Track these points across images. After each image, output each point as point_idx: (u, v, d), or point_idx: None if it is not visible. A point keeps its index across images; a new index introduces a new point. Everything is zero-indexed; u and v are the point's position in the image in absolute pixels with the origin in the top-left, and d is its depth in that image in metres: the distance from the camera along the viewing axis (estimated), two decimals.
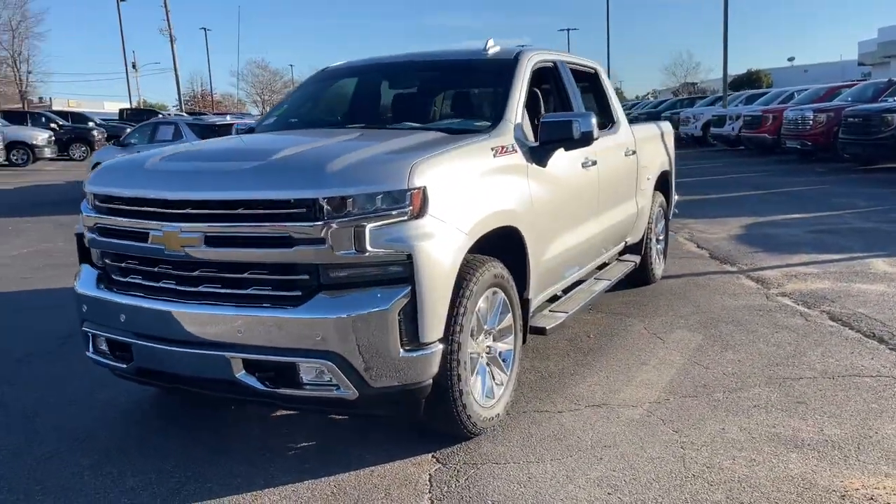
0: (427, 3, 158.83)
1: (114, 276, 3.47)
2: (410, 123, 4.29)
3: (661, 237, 6.93)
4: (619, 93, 25.50)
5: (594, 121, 4.11)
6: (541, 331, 4.23)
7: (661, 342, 4.99)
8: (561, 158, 4.36)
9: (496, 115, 4.09)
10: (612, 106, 5.77)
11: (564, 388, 4.19)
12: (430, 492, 3.07)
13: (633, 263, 5.96)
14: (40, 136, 25.83)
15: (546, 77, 4.90)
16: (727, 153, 22.88)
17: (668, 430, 3.60)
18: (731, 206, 11.55)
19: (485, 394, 3.56)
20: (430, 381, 3.16)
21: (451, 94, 5.02)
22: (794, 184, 14.10)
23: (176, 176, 3.30)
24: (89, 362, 3.65)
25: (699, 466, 3.22)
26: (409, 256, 2.98)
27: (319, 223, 2.95)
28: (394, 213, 3.01)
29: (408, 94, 4.86)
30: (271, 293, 3.07)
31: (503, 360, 3.77)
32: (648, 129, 6.61)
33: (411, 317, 3.02)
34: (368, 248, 2.97)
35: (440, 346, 3.14)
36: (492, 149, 3.70)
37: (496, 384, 3.69)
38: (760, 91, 30.53)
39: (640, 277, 6.56)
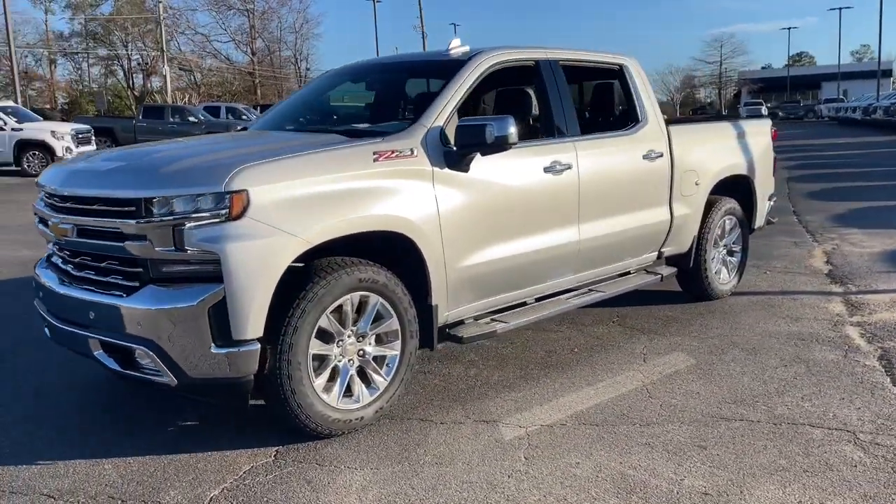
0: None
1: (44, 259, 4.02)
2: (350, 126, 4.37)
3: (734, 248, 6.26)
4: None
5: (511, 126, 3.90)
6: (458, 339, 4.14)
7: (640, 365, 4.60)
8: (503, 162, 4.20)
9: (413, 118, 4.05)
10: (637, 104, 5.34)
11: (478, 399, 4.07)
12: (233, 482, 3.20)
13: (659, 277, 5.48)
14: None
15: (522, 77, 4.71)
16: None
17: (521, 456, 3.39)
18: None
19: (341, 395, 3.60)
20: (251, 377, 3.29)
21: (404, 96, 4.98)
22: None
23: (76, 174, 3.74)
24: None
25: (499, 497, 3.01)
26: (220, 256, 3.14)
27: (142, 221, 3.21)
28: (211, 214, 3.18)
29: (365, 96, 4.92)
30: (119, 282, 3.39)
31: (382, 364, 3.76)
32: (701, 130, 6.00)
33: (223, 314, 3.17)
34: (186, 246, 3.17)
35: (257, 346, 3.25)
36: (373, 153, 3.69)
37: (370, 387, 3.71)
38: None
39: (695, 292, 6.02)
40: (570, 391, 4.17)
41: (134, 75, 63.59)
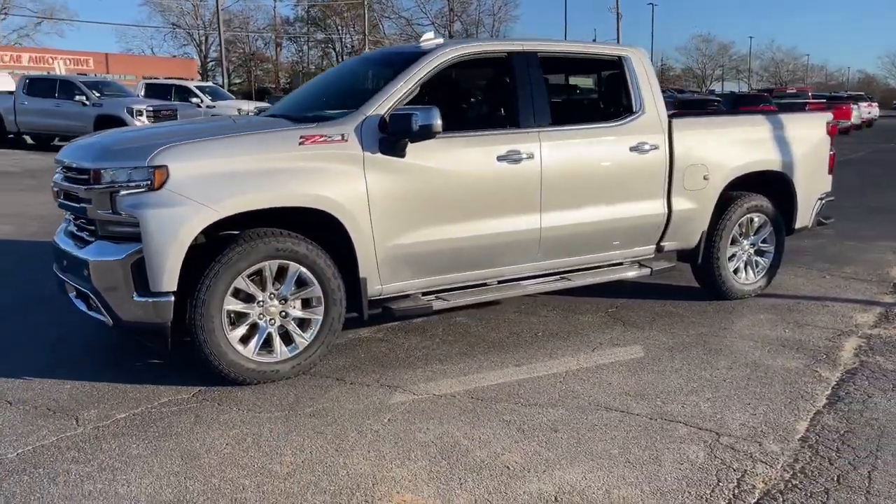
0: None
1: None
2: (314, 113, 4.81)
3: (764, 248, 6.00)
4: None
5: (436, 116, 4.18)
6: (391, 311, 4.51)
7: (585, 353, 4.71)
8: (447, 150, 4.49)
9: (356, 106, 4.44)
10: (633, 96, 5.31)
11: (401, 368, 4.42)
12: (144, 409, 3.82)
13: (648, 270, 5.45)
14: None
15: (497, 69, 4.93)
16: None
17: (386, 418, 3.72)
18: None
19: (257, 349, 4.12)
20: (168, 323, 3.91)
21: (372, 86, 5.27)
22: None
23: (73, 148, 4.49)
24: None
25: (330, 446, 3.40)
26: (140, 220, 3.78)
27: (90, 187, 3.92)
28: (138, 185, 3.82)
29: (346, 83, 5.32)
30: (84, 238, 4.14)
31: (307, 326, 4.23)
32: (714, 123, 5.80)
33: (142, 269, 3.81)
34: (119, 210, 3.85)
35: (171, 298, 3.85)
36: (300, 137, 4.15)
37: (290, 345, 4.20)
38: None
39: (710, 290, 5.89)
40: (492, 369, 4.40)
41: (344, 57, 67.80)
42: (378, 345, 4.85)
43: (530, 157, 4.75)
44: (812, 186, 6.19)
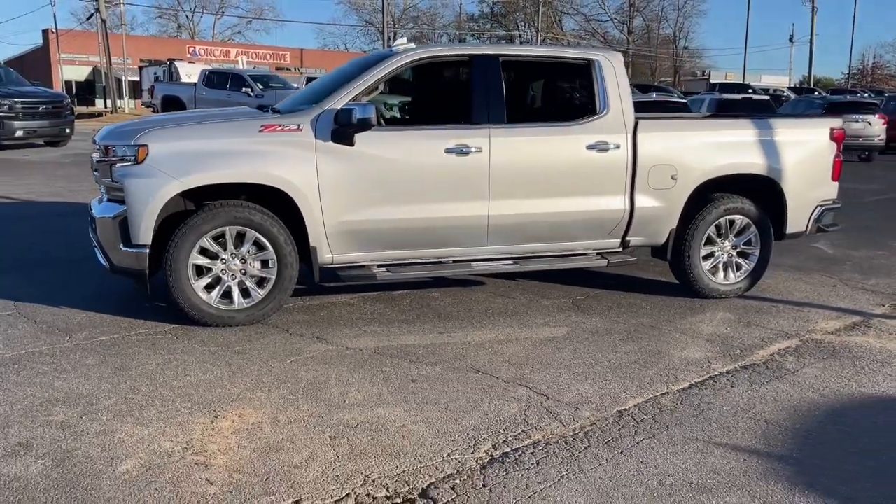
0: None
1: None
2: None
3: (748, 251, 6.12)
4: None
5: (372, 111, 4.90)
6: (338, 277, 5.30)
7: (510, 329, 5.22)
8: (395, 140, 5.21)
9: (316, 101, 5.25)
10: (598, 98, 5.68)
11: (343, 326, 5.18)
12: (122, 335, 4.87)
13: (605, 262, 5.80)
14: None
15: (461, 71, 5.55)
16: None
17: (292, 360, 4.51)
18: None
19: (218, 297, 5.06)
20: (146, 269, 4.94)
21: None
22: None
23: (104, 130, 5.67)
24: None
25: (224, 372, 4.25)
26: (124, 187, 4.84)
27: (102, 160, 5.05)
28: (126, 160, 4.89)
29: (334, 82, 6.07)
30: (103, 200, 5.29)
31: (265, 283, 5.12)
32: (686, 125, 6.00)
33: (125, 226, 4.88)
34: (114, 179, 4.94)
35: (147, 250, 4.88)
36: (261, 126, 5.03)
37: (247, 297, 5.11)
38: None
39: (684, 287, 6.12)
40: (417, 334, 5.05)
41: None
42: (343, 308, 5.63)
43: (479, 150, 5.31)
44: (808, 192, 6.19)
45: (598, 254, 5.88)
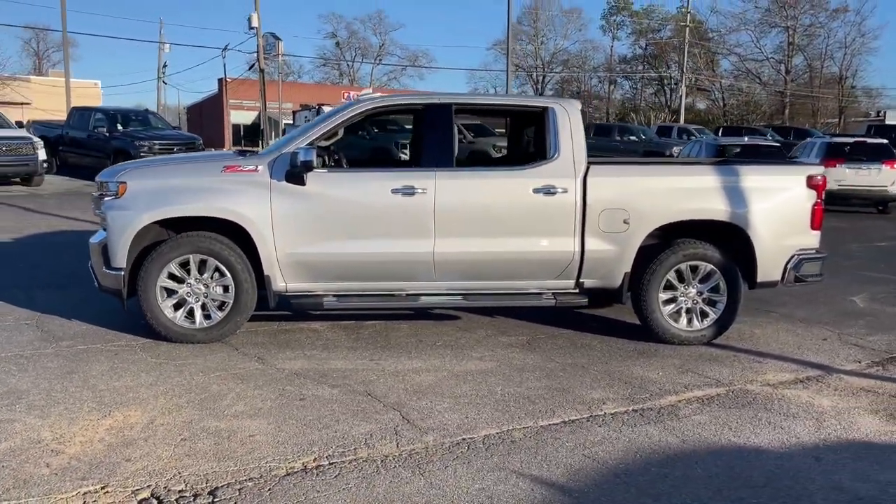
0: None
1: None
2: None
3: (715, 298, 6.04)
4: None
5: (311, 155, 5.43)
6: (289, 304, 5.83)
7: (444, 361, 5.52)
8: (343, 181, 5.73)
9: (281, 146, 5.86)
10: (550, 144, 5.89)
11: (293, 349, 5.68)
12: (102, 346, 5.64)
13: (552, 301, 5.94)
14: None
15: (406, 118, 5.99)
16: None
17: (210, 368, 5.08)
18: None
19: (182, 317, 5.73)
20: (122, 289, 5.71)
21: None
22: None
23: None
24: None
25: (112, 377, 4.87)
26: (105, 217, 5.67)
27: (96, 193, 5.92)
28: (110, 193, 5.72)
29: (301, 128, 6.62)
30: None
31: (225, 306, 5.75)
32: (641, 171, 6.03)
33: (107, 251, 5.69)
34: (102, 210, 5.78)
35: (122, 272, 5.65)
36: (223, 167, 5.70)
37: (208, 318, 5.75)
38: None
39: (646, 332, 6.14)
40: (349, 359, 5.44)
41: (674, 94, 67.22)
42: (305, 333, 6.14)
43: (423, 192, 5.70)
44: (781, 240, 6.03)
45: (552, 294, 6.03)
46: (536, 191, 5.78)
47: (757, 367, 5.57)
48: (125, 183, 5.63)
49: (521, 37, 70.27)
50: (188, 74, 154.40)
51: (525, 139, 6.51)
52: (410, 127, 7.00)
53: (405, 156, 6.28)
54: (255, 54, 39.72)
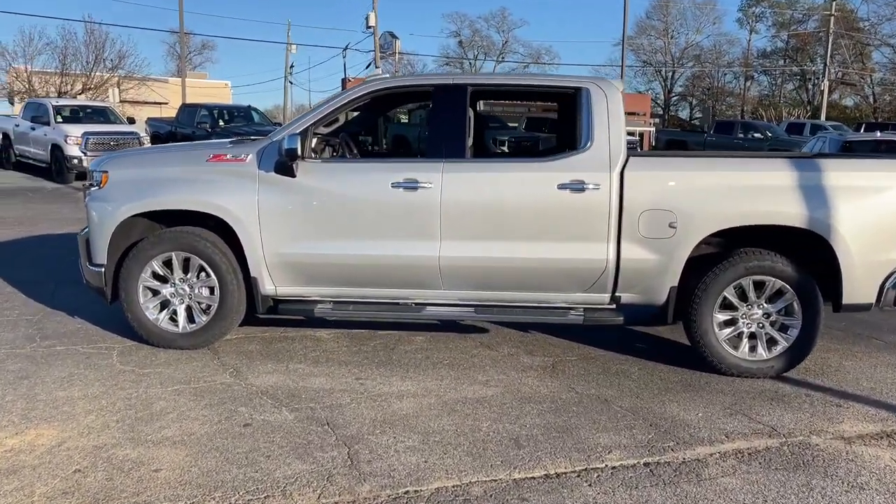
0: None
1: None
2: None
3: (788, 322, 4.90)
4: None
5: (295, 142, 4.75)
6: (276, 309, 5.19)
7: (443, 383, 4.74)
8: (335, 172, 5.03)
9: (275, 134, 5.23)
10: (582, 130, 4.94)
11: (275, 361, 5.05)
12: (91, 348, 5.23)
13: (580, 318, 4.98)
14: None
15: (414, 103, 5.21)
16: None
17: (196, 377, 4.52)
18: None
19: (165, 320, 5.22)
20: (104, 287, 5.26)
21: None
22: None
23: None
24: None
25: (77, 377, 4.36)
26: (87, 209, 5.24)
27: (85, 183, 5.53)
28: (95, 184, 5.29)
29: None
30: None
31: (211, 309, 5.19)
32: (692, 164, 4.93)
33: (89, 245, 5.27)
34: (87, 201, 5.38)
35: (103, 269, 5.21)
36: (209, 155, 5.14)
37: (192, 322, 5.21)
38: None
39: (700, 359, 5.09)
40: (332, 377, 4.75)
41: (819, 88, 62.40)
42: (304, 342, 5.49)
43: (429, 186, 4.91)
44: (877, 253, 4.81)
45: (582, 309, 5.08)
46: (562, 186, 4.85)
47: (833, 411, 4.41)
48: (107, 172, 5.18)
49: (650, 32, 67.49)
50: (312, 73, 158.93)
51: (547, 125, 5.56)
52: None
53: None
54: (373, 53, 40.02)
